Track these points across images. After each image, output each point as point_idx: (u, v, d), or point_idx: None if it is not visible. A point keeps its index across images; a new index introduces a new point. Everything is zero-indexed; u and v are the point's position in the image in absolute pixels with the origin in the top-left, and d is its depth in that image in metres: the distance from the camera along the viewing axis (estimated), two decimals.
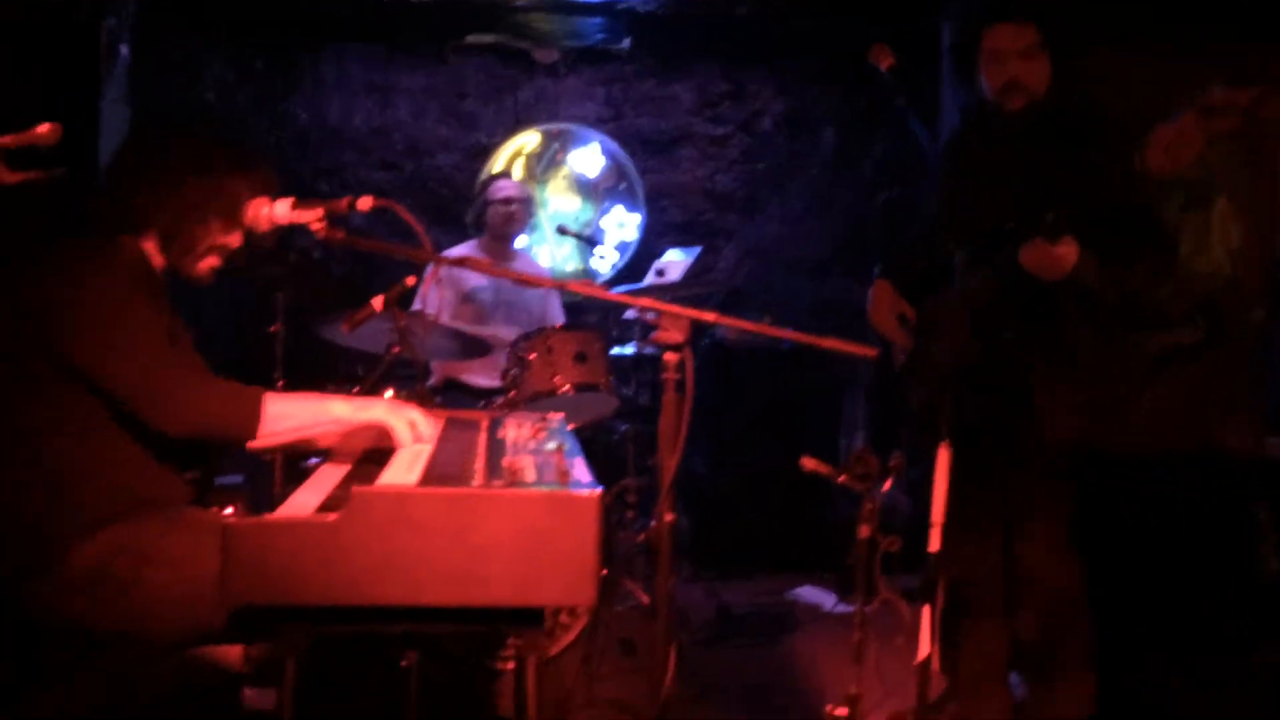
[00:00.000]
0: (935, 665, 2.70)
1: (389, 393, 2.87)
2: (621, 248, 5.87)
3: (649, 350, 4.71)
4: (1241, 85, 2.34)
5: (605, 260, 5.20)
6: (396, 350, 3.26)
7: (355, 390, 3.24)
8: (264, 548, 1.65)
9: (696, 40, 5.76)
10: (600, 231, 5.85)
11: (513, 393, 3.47)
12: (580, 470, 1.89)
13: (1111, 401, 3.85)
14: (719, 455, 5.01)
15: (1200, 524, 3.64)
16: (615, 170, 5.88)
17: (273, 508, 1.80)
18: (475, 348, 3.83)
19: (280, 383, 3.64)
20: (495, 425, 2.44)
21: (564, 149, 5.85)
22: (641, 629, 3.66)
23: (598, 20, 5.52)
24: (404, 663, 2.51)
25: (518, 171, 5.76)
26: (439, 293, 4.37)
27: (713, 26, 5.52)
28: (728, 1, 5.23)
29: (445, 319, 4.27)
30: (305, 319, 3.53)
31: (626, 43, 5.72)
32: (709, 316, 2.15)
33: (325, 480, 2.03)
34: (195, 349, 2.32)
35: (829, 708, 2.58)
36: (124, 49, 4.76)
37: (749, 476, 4.95)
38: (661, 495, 2.10)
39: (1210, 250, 4.09)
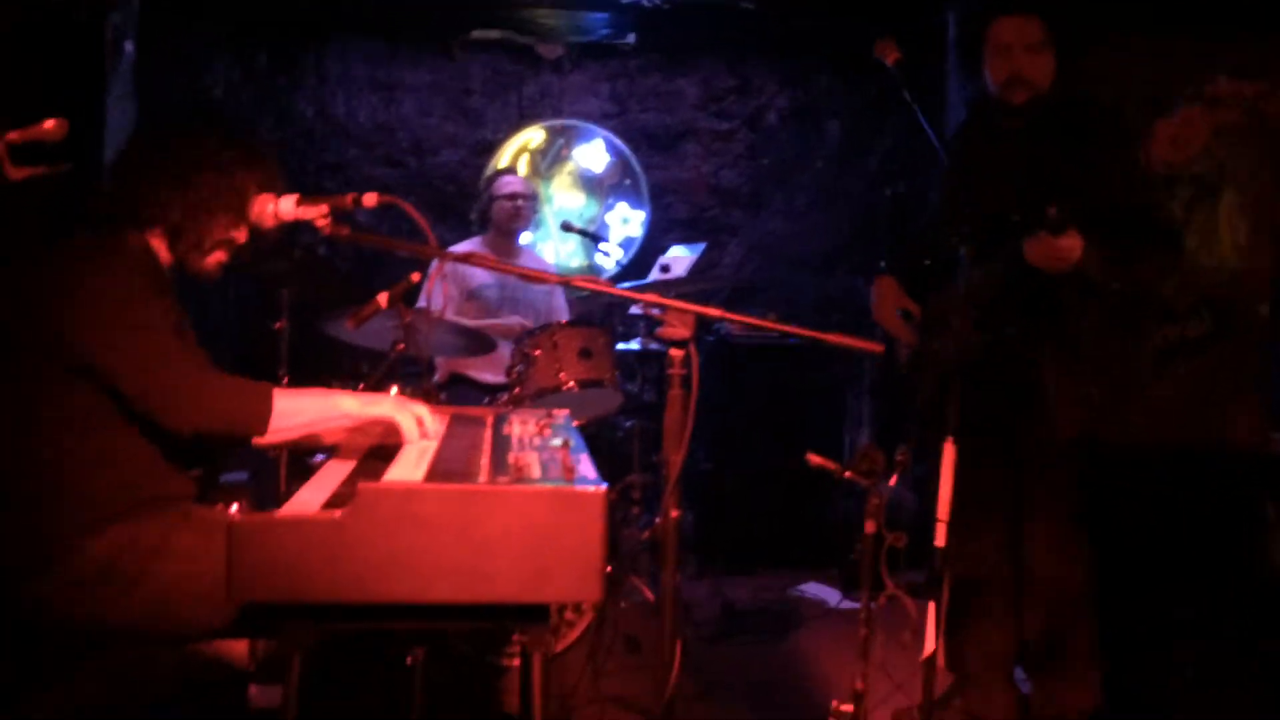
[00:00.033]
0: (941, 661, 2.70)
1: (394, 389, 2.87)
2: (626, 244, 5.87)
3: (654, 346, 4.71)
4: (1245, 77, 2.34)
5: (610, 256, 5.20)
6: (401, 347, 3.26)
7: (360, 387, 3.23)
8: (269, 545, 1.65)
9: (701, 35, 5.75)
10: (605, 227, 5.85)
11: (518, 389, 3.47)
12: (585, 467, 1.89)
13: (1117, 396, 3.84)
14: (723, 451, 5.00)
15: (1206, 518, 3.63)
16: (620, 166, 5.87)
17: (278, 505, 1.80)
18: (480, 344, 3.83)
19: (285, 380, 3.64)
20: (500, 422, 2.44)
21: (569, 145, 5.85)
22: (647, 625, 3.66)
23: (603, 15, 5.51)
24: (409, 659, 2.52)
25: (522, 168, 5.76)
26: (444, 289, 4.37)
27: (717, 21, 5.50)
28: None
29: (450, 315, 4.27)
30: (310, 315, 3.53)
31: (631, 38, 5.71)
32: (714, 312, 2.14)
33: (330, 477, 2.03)
34: (199, 346, 2.32)
35: (835, 703, 2.58)
36: (128, 46, 4.77)
37: (753, 473, 4.95)
38: (667, 492, 2.10)
39: (1217, 244, 4.08)
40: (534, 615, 1.81)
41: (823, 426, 5.04)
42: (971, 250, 2.88)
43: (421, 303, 4.22)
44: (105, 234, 2.21)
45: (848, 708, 2.55)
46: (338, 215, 2.23)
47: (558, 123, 5.84)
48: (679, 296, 2.22)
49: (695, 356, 2.10)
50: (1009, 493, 2.95)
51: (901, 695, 3.19)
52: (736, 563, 4.82)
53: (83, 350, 2.07)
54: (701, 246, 4.64)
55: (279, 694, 1.85)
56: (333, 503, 1.79)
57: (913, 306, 3.11)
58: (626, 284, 4.38)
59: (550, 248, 5.80)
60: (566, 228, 4.74)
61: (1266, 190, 4.04)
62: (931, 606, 2.57)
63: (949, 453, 2.56)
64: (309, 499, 1.83)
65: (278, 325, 3.74)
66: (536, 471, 1.84)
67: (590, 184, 5.88)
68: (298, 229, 2.34)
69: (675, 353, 2.11)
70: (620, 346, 4.62)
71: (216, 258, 2.29)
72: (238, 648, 2.31)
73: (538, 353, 3.43)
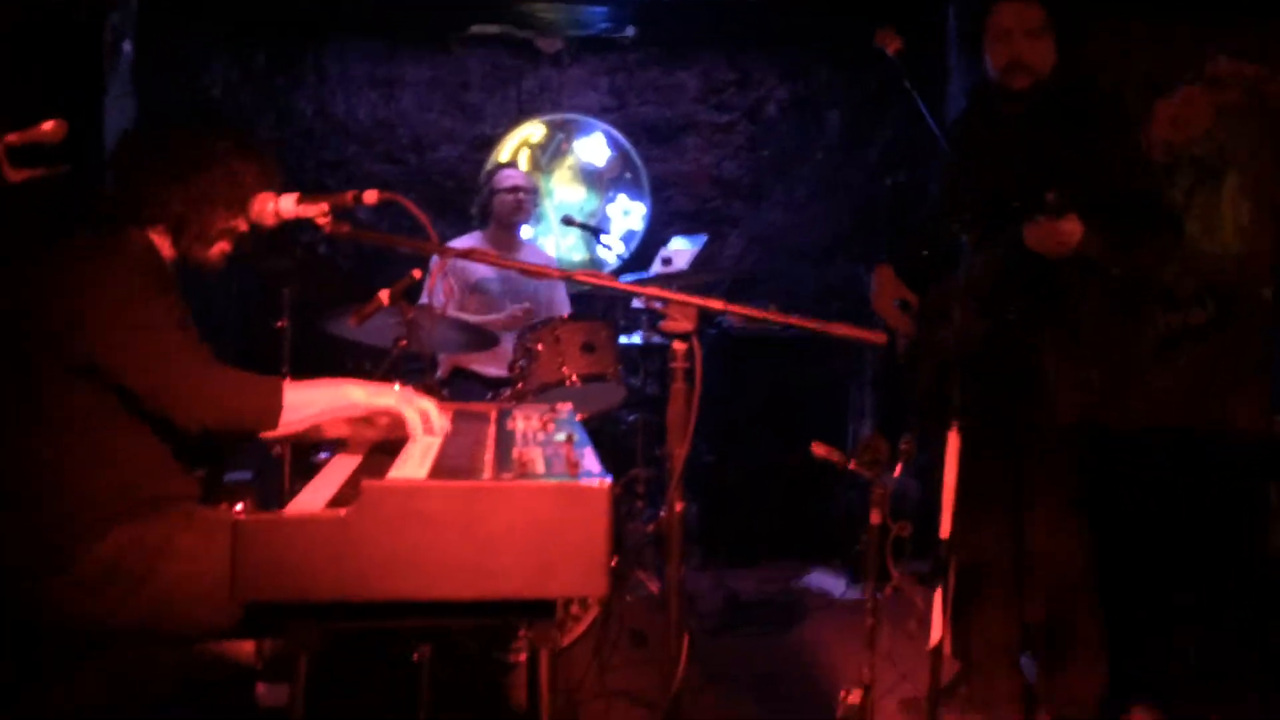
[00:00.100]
0: (947, 649, 2.70)
1: (396, 387, 2.86)
2: (627, 237, 5.86)
3: (656, 339, 4.71)
4: (1246, 59, 2.33)
5: (611, 250, 5.19)
6: (404, 343, 3.26)
7: None
8: (274, 544, 1.65)
9: (700, 27, 5.74)
10: (606, 221, 5.85)
11: (520, 384, 3.47)
12: (590, 461, 1.89)
13: (1118, 382, 3.83)
14: (726, 444, 5.00)
15: (1207, 503, 3.63)
16: (620, 159, 5.87)
17: (282, 503, 1.80)
18: (482, 339, 3.83)
19: (288, 379, 3.64)
20: (504, 417, 2.44)
21: (569, 139, 5.84)
22: (652, 619, 3.67)
23: (601, 9, 5.50)
24: (416, 657, 2.52)
25: (523, 162, 5.75)
26: (446, 285, 4.37)
27: (716, 13, 5.49)
28: None
29: (452, 310, 4.27)
30: (312, 314, 3.53)
31: (630, 31, 5.70)
32: (716, 304, 2.14)
33: (335, 474, 2.03)
34: (203, 342, 2.32)
35: (843, 693, 2.58)
36: (127, 46, 4.76)
37: (756, 464, 4.95)
38: (671, 485, 2.10)
39: (1220, 229, 4.07)
40: (540, 611, 1.81)
41: (825, 418, 5.04)
42: (972, 237, 2.87)
43: (424, 299, 4.22)
44: (106, 233, 2.21)
45: (856, 697, 2.55)
46: (338, 213, 2.22)
47: (557, 117, 5.83)
48: (681, 289, 2.21)
49: (698, 349, 2.09)
50: (1010, 480, 2.95)
51: (908, 684, 3.19)
52: (740, 554, 4.82)
53: (89, 350, 2.06)
54: (702, 238, 4.63)
55: (286, 692, 1.85)
56: (337, 501, 1.79)
57: (911, 296, 3.11)
58: (628, 276, 4.37)
59: (551, 242, 5.79)
60: (567, 221, 4.74)
61: (1268, 172, 4.02)
62: (938, 595, 2.57)
63: (953, 441, 2.55)
64: (313, 498, 1.83)
65: (280, 324, 3.74)
66: (541, 467, 1.84)
67: (590, 178, 5.87)
68: (299, 227, 2.34)
69: (678, 346, 2.10)
70: (622, 340, 4.61)
71: (220, 248, 2.29)
72: (244, 646, 2.31)
73: (540, 347, 3.43)
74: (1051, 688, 2.97)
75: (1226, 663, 3.30)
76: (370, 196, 2.20)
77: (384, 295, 2.46)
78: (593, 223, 5.60)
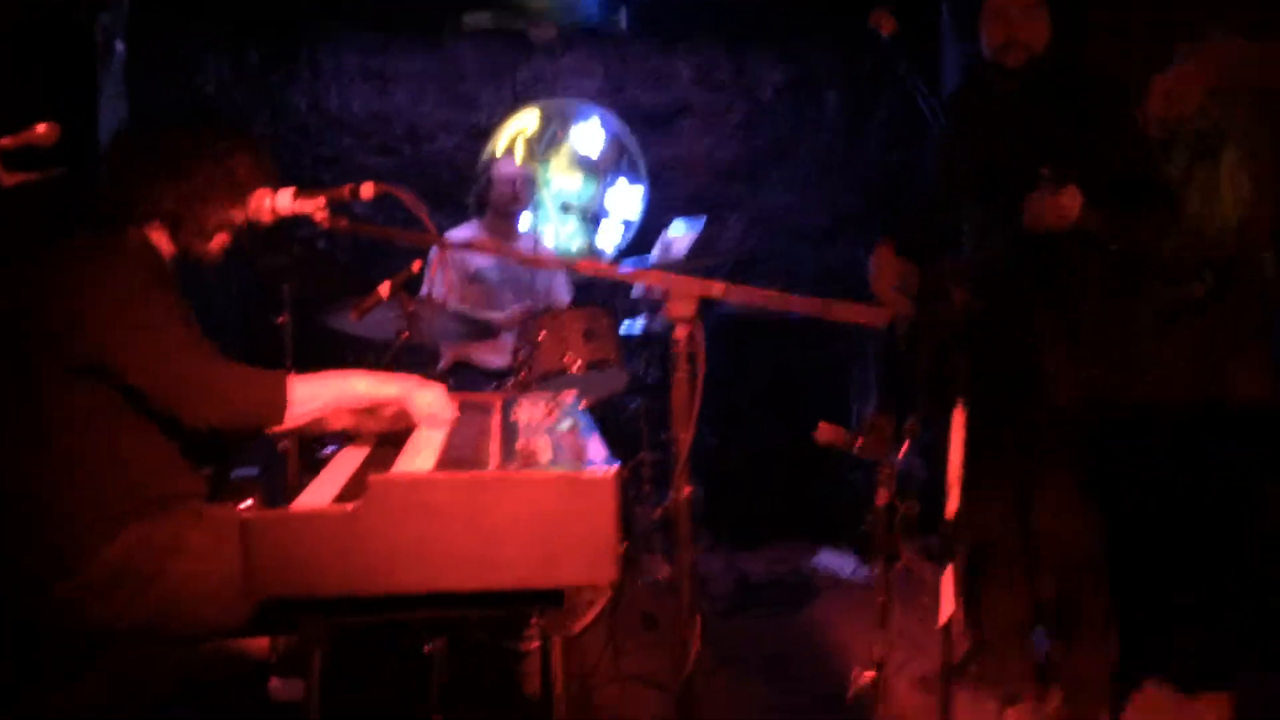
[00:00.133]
0: (958, 627, 2.70)
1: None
2: (625, 223, 5.85)
3: (658, 325, 4.70)
4: (1243, 33, 2.32)
5: (610, 236, 5.18)
6: (405, 336, 3.26)
7: None
8: (284, 541, 1.65)
9: (695, 11, 5.71)
10: (604, 207, 5.83)
11: (523, 373, 3.47)
12: (596, 449, 1.89)
13: (1120, 357, 3.83)
14: (729, 426, 5.00)
15: (1214, 475, 3.62)
16: (616, 146, 5.85)
17: (289, 499, 1.80)
18: (484, 329, 3.83)
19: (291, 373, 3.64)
20: (508, 406, 2.44)
21: (564, 127, 5.82)
22: (663, 602, 3.68)
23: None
24: (429, 648, 2.52)
25: (519, 151, 5.74)
26: (445, 276, 4.36)
27: None
28: None
29: (453, 301, 4.27)
30: (312, 309, 3.53)
31: (624, 17, 5.67)
32: (718, 288, 2.13)
33: (341, 468, 2.04)
34: (206, 338, 2.32)
35: (856, 671, 2.58)
36: (119, 45, 4.75)
37: (760, 446, 4.95)
38: (678, 470, 2.10)
39: (1219, 203, 4.05)
40: (550, 599, 1.82)
41: (828, 399, 5.04)
42: (968, 215, 2.87)
43: (424, 291, 4.22)
44: (105, 232, 2.20)
45: (869, 675, 2.56)
46: (335, 207, 2.22)
47: (553, 105, 5.81)
48: (681, 273, 2.21)
49: (700, 333, 2.09)
50: (1013, 459, 2.95)
51: (920, 662, 3.20)
52: (747, 536, 4.83)
53: (92, 351, 2.06)
54: (701, 222, 4.62)
55: (300, 687, 1.85)
56: (345, 495, 1.79)
57: (913, 275, 3.10)
58: (628, 261, 4.36)
59: (550, 230, 5.78)
60: (565, 209, 4.73)
61: (1265, 143, 4.01)
62: (947, 573, 2.57)
63: (958, 419, 2.55)
64: (320, 492, 1.83)
65: (280, 320, 3.74)
66: (547, 456, 1.84)
67: (587, 165, 5.86)
68: (296, 223, 2.33)
69: (680, 330, 2.10)
70: (624, 325, 4.61)
71: (219, 241, 2.29)
72: (258, 641, 2.31)
73: (542, 336, 3.43)
74: (1063, 664, 2.98)
75: (1238, 637, 3.30)
76: (368, 190, 2.20)
77: (384, 288, 2.47)
78: (591, 210, 5.59)
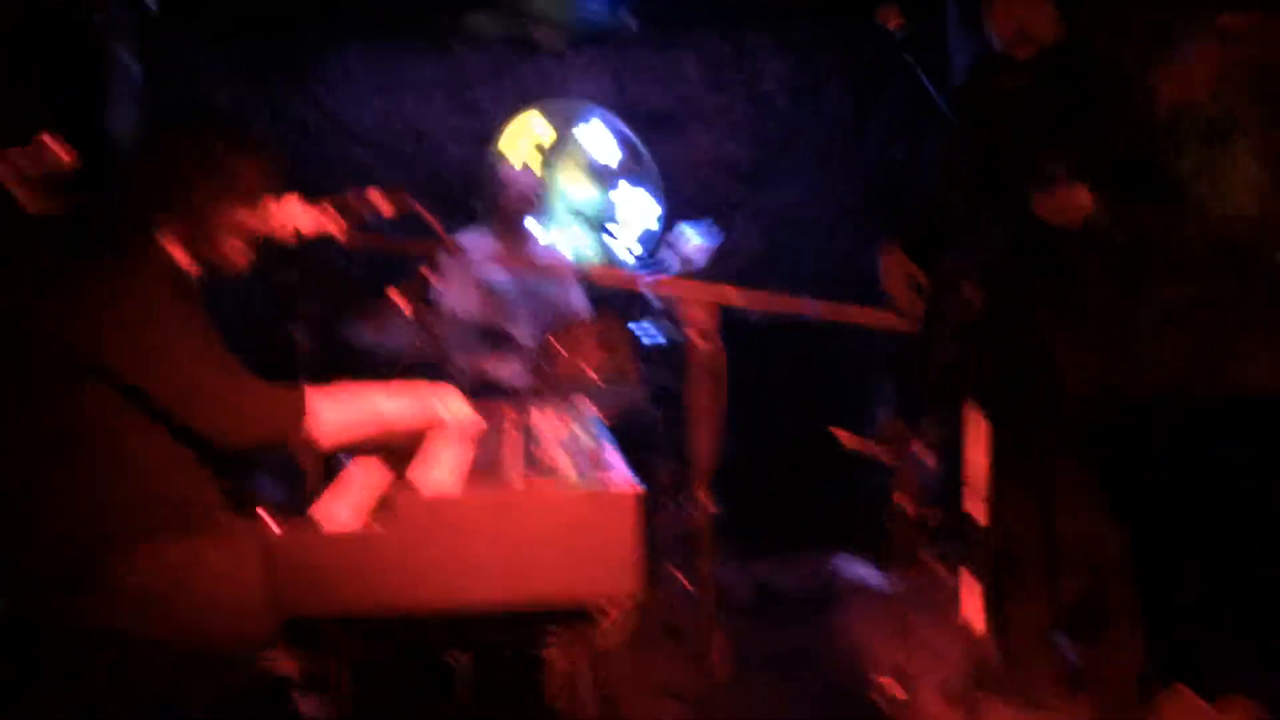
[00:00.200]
0: (982, 631, 2.68)
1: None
2: (646, 233, 5.81)
3: (675, 334, 4.69)
4: (1254, 12, 2.30)
5: (622, 242, 5.16)
6: (419, 346, 3.26)
7: None
8: (310, 561, 1.65)
9: (699, 10, 5.70)
10: (613, 211, 5.81)
11: (541, 385, 3.47)
12: (617, 462, 1.88)
13: (1131, 351, 3.80)
14: (744, 431, 4.97)
15: (1228, 468, 3.60)
16: (625, 148, 5.83)
17: (305, 508, 1.80)
18: (497, 339, 3.83)
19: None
20: (527, 418, 2.44)
21: (571, 131, 5.81)
22: (684, 612, 3.66)
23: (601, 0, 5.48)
24: (454, 664, 2.52)
25: (528, 155, 5.73)
26: (458, 285, 4.35)
27: None
28: None
29: (466, 311, 4.26)
30: (325, 322, 3.52)
31: (629, 18, 5.67)
32: (734, 296, 2.13)
33: (359, 480, 2.03)
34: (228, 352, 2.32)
35: (880, 679, 2.57)
36: (126, 50, 4.74)
37: (775, 451, 4.93)
38: (698, 481, 2.09)
39: (1231, 192, 4.03)
40: (575, 613, 1.81)
41: (841, 401, 5.02)
42: (975, 210, 2.86)
43: (436, 299, 4.21)
44: (125, 247, 2.21)
45: (893, 685, 2.55)
46: (352, 223, 2.22)
47: (559, 108, 5.80)
48: (695, 278, 2.20)
49: (718, 339, 2.08)
50: (1032, 461, 2.93)
51: (945, 668, 3.17)
52: (766, 543, 4.80)
53: (110, 368, 2.06)
54: (712, 228, 4.59)
55: (326, 704, 1.85)
56: (369, 512, 1.79)
57: (921, 275, 3.08)
58: (643, 269, 4.35)
59: (562, 239, 5.76)
60: (575, 214, 4.72)
61: (1277, 128, 3.98)
62: (968, 578, 2.56)
63: (976, 424, 2.53)
64: (341, 507, 1.83)
65: (294, 334, 3.73)
66: (570, 470, 1.84)
67: (595, 169, 5.84)
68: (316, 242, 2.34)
69: (697, 337, 2.09)
70: (640, 334, 4.59)
71: (234, 246, 2.29)
72: (281, 656, 2.31)
73: (559, 348, 3.43)
74: (1090, 666, 2.95)
75: (1261, 630, 3.28)
76: (385, 208, 2.20)
77: (397, 298, 2.47)
78: (601, 214, 5.57)
